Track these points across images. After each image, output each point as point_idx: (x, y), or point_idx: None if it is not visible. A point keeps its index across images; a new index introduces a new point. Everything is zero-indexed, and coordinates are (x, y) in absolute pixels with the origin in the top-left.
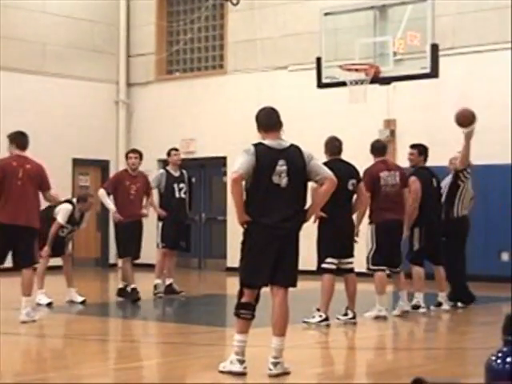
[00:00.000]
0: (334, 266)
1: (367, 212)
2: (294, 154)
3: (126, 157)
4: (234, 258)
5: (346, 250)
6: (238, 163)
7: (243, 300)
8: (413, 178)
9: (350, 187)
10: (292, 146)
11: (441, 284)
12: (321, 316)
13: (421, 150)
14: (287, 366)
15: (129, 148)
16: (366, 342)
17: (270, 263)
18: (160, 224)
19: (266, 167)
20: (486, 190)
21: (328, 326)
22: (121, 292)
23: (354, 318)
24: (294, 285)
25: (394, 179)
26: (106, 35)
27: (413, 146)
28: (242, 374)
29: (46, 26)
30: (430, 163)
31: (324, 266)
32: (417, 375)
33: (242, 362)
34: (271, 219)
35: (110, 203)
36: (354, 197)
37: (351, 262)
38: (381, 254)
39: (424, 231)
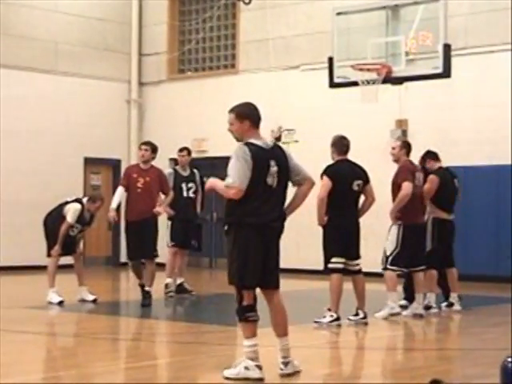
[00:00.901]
0: (340, 266)
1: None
2: (280, 154)
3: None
4: None
5: (352, 251)
6: (236, 172)
7: (246, 303)
8: (431, 177)
9: (355, 188)
10: (277, 145)
11: (453, 284)
12: (332, 316)
13: (426, 155)
14: (297, 364)
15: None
16: (378, 343)
17: (261, 264)
18: (169, 223)
19: (262, 169)
20: (498, 191)
21: (339, 325)
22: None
23: (365, 317)
24: (279, 285)
25: (420, 181)
26: (118, 34)
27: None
28: (261, 380)
29: (58, 25)
30: (441, 163)
31: (330, 265)
32: (430, 376)
33: (260, 367)
34: (264, 219)
35: (114, 201)
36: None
37: (358, 264)
38: (404, 256)
39: (437, 230)
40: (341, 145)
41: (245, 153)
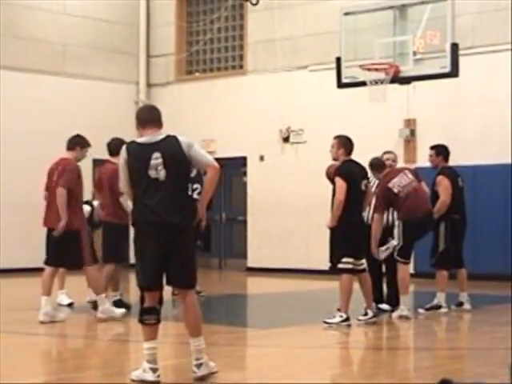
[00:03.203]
0: (350, 266)
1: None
2: (169, 145)
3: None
4: (254, 258)
5: (359, 250)
6: (121, 176)
7: (145, 305)
8: (440, 177)
9: (363, 188)
10: (168, 136)
11: (463, 284)
12: (341, 316)
13: (439, 151)
14: (213, 365)
15: None
16: (388, 342)
17: (161, 262)
18: None
19: (140, 163)
20: (506, 189)
21: (349, 326)
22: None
23: (374, 317)
24: (191, 285)
25: (407, 178)
26: (125, 36)
27: (431, 148)
28: (156, 383)
29: (66, 26)
30: (449, 162)
31: (341, 266)
32: (440, 375)
33: (154, 370)
34: (153, 215)
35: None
36: None
37: (364, 263)
38: (408, 249)
39: (450, 229)
40: (350, 145)
41: (122, 155)
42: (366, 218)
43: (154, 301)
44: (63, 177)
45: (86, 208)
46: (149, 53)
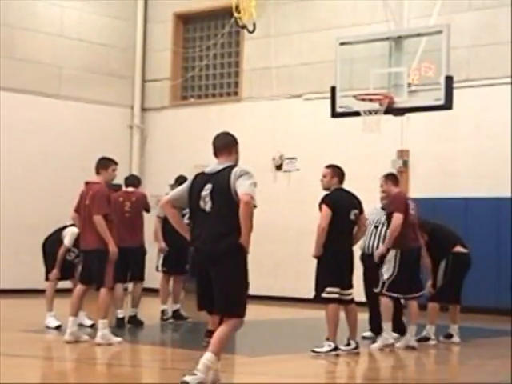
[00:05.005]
0: (336, 296)
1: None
2: (221, 177)
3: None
4: None
5: (346, 281)
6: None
7: (208, 328)
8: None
9: (352, 217)
10: (226, 167)
11: (455, 317)
12: (330, 345)
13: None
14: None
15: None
16: (376, 374)
17: (207, 288)
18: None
19: (195, 193)
20: (499, 223)
21: (337, 355)
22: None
23: (356, 347)
24: (231, 311)
25: (415, 208)
26: (121, 60)
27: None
28: None
29: (62, 49)
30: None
31: (325, 295)
32: None
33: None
34: (198, 244)
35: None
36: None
37: (351, 293)
38: (400, 282)
39: (451, 264)
40: (342, 174)
41: (189, 182)
42: (365, 248)
43: (214, 324)
44: (96, 204)
45: (74, 230)
46: (144, 77)
